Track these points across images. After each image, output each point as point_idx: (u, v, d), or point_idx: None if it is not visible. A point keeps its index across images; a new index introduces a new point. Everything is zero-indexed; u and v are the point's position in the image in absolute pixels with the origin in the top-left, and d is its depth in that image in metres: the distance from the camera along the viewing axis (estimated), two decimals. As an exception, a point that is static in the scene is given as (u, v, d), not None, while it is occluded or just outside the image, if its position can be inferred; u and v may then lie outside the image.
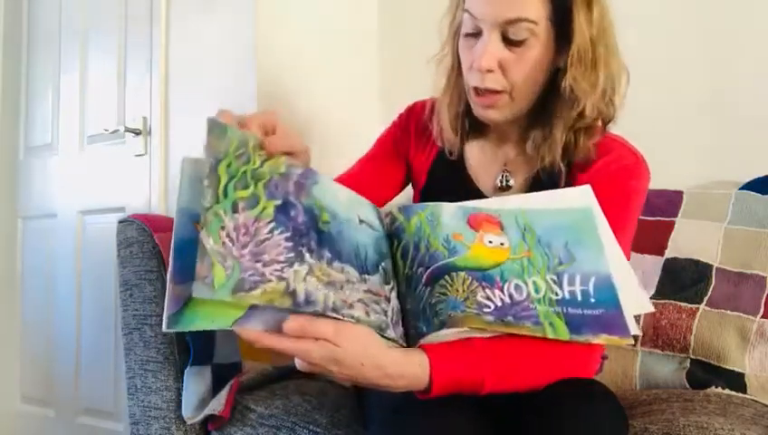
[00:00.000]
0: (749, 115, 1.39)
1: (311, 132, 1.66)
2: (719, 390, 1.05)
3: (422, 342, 0.72)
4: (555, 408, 0.71)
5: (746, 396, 1.04)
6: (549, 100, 0.90)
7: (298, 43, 1.64)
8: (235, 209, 0.65)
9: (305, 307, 0.64)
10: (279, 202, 0.68)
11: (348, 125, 1.75)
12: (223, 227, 0.63)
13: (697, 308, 1.12)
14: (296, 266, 0.65)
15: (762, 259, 1.13)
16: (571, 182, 0.91)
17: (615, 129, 0.94)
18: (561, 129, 0.89)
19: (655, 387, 1.10)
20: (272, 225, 0.66)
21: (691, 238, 1.20)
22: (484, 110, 0.92)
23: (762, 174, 1.27)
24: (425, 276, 0.75)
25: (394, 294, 0.75)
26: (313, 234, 0.69)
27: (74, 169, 2.03)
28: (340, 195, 0.77)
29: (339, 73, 1.75)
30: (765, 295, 1.11)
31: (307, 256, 0.67)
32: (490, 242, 0.78)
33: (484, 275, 0.75)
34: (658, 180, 1.28)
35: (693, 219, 1.22)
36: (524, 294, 0.74)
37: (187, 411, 1.06)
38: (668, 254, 1.19)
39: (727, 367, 1.07)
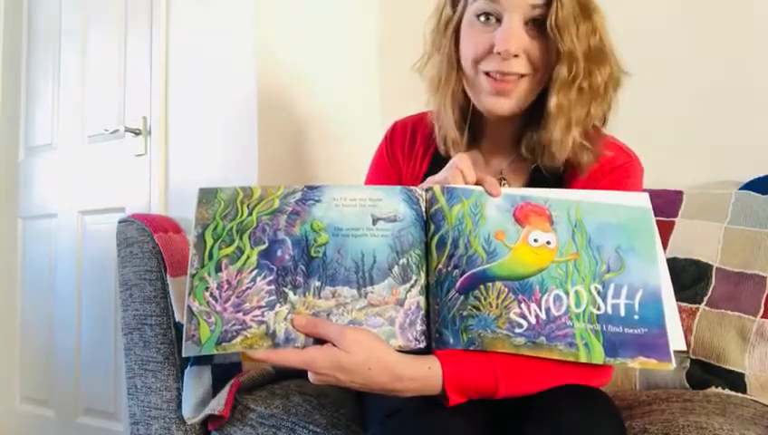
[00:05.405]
0: (749, 115, 1.39)
1: (311, 132, 1.66)
2: (719, 390, 1.05)
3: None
4: (553, 411, 0.70)
5: (746, 396, 1.04)
6: (547, 98, 0.85)
7: (298, 43, 1.64)
8: (218, 269, 0.71)
9: (285, 345, 0.70)
10: (264, 247, 0.73)
11: (348, 125, 1.75)
12: (207, 289, 0.71)
13: (697, 308, 1.12)
14: (278, 308, 0.71)
15: (762, 259, 1.13)
16: (567, 187, 0.88)
17: (614, 128, 0.94)
18: (564, 129, 0.85)
19: (655, 387, 1.10)
20: (254, 272, 0.72)
21: (691, 238, 1.20)
22: (495, 98, 0.86)
23: (762, 174, 1.27)
24: (458, 282, 0.72)
25: (415, 291, 0.73)
26: (301, 267, 0.72)
27: (74, 169, 2.03)
28: (351, 198, 0.75)
29: (339, 73, 1.75)
30: (765, 295, 1.11)
31: (290, 294, 0.71)
32: (535, 241, 0.73)
33: (522, 286, 0.71)
34: (658, 180, 1.29)
35: (693, 219, 1.22)
36: (563, 308, 0.70)
37: (186, 411, 1.06)
38: (668, 254, 1.19)
39: (727, 367, 1.07)
